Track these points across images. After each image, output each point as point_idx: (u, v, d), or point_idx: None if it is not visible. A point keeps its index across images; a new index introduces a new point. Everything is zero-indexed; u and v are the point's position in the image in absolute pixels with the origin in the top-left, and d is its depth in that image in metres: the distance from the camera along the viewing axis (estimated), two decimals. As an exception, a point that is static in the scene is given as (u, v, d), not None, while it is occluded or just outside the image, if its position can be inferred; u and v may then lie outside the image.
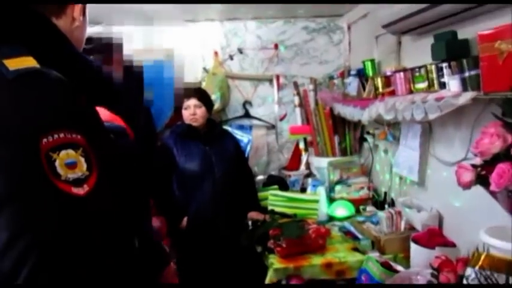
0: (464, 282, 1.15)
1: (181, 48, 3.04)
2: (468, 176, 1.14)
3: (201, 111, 2.35)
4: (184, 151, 2.34)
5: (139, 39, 3.08)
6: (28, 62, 0.69)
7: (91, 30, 1.51)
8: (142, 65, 1.71)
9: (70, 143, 0.66)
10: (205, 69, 3.09)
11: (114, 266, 0.69)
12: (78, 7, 0.87)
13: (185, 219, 2.30)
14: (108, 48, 1.44)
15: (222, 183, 2.33)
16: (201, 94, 2.42)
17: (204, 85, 2.97)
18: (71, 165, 0.65)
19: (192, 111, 2.34)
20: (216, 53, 3.08)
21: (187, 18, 3.00)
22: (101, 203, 0.69)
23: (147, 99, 1.64)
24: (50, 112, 0.66)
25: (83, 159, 0.66)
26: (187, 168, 2.31)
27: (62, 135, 0.65)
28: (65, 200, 0.63)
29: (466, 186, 1.16)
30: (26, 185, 0.62)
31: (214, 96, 2.84)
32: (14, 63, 0.68)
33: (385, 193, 2.40)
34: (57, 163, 0.64)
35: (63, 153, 0.64)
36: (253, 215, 2.36)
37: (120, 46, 1.52)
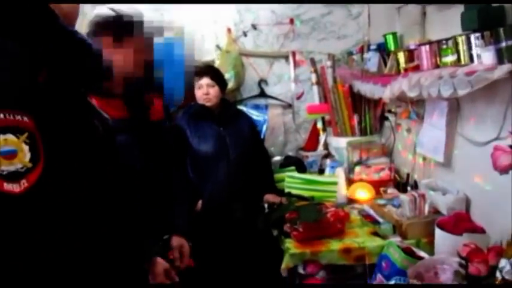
0: (498, 274, 1.05)
1: (192, 25, 2.94)
2: (507, 158, 1.02)
3: (214, 91, 2.27)
4: (197, 132, 2.26)
5: (150, 16, 2.98)
6: None
7: (103, 10, 1.42)
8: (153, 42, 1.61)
9: (11, 126, 0.54)
10: (218, 47, 2.98)
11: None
12: None
13: (200, 202, 2.24)
14: (128, 27, 1.34)
15: (236, 165, 2.26)
16: (214, 73, 2.33)
17: (217, 63, 2.86)
18: (9, 155, 0.53)
19: (205, 91, 2.25)
20: (229, 30, 2.96)
21: (199, -6, 2.88)
22: (42, 203, 0.56)
23: (157, 78, 1.56)
24: None
25: (26, 148, 0.55)
26: (201, 150, 2.24)
27: (1, 116, 0.53)
28: None
29: (504, 170, 1.05)
30: None
31: (228, 75, 2.74)
32: None
33: (408, 175, 2.28)
34: None
35: (0, 138, 0.53)
36: (270, 197, 2.29)
37: (140, 25, 1.41)
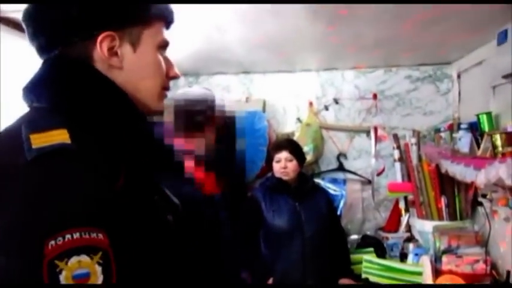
0: None
1: (274, 98, 3.04)
2: None
3: (292, 165, 2.25)
4: (272, 206, 2.23)
5: (236, 88, 3.16)
6: (58, 136, 0.57)
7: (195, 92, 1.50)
8: (234, 115, 1.67)
9: (86, 246, 0.50)
10: (299, 120, 3.01)
11: None
12: (103, 43, 0.69)
13: (271, 279, 2.14)
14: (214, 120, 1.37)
15: (312, 243, 2.15)
16: (292, 147, 2.33)
17: (297, 136, 2.88)
18: (81, 278, 0.49)
19: (283, 165, 2.25)
20: (311, 103, 3.00)
21: (283, 69, 3.00)
22: None
23: (239, 149, 1.59)
24: (66, 206, 0.52)
25: (99, 270, 0.51)
26: (276, 225, 2.18)
27: (76, 235, 0.50)
28: None
29: None
30: None
31: (307, 148, 2.73)
32: (40, 139, 0.56)
33: (508, 272, 1.99)
34: (62, 276, 0.48)
35: (73, 261, 0.49)
36: (345, 281, 2.13)
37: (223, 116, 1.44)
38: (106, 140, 0.63)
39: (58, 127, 0.59)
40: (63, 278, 0.49)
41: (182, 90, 1.41)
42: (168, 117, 1.24)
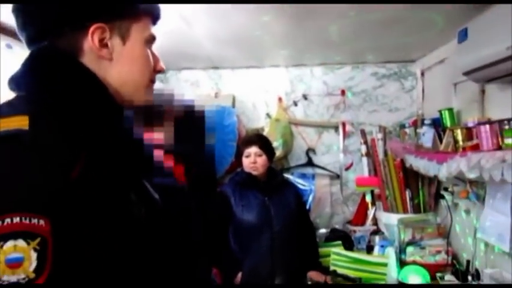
0: None
1: (244, 93, 3.03)
2: None
3: (261, 160, 2.26)
4: (242, 201, 2.23)
5: (206, 84, 3.13)
6: (17, 122, 0.58)
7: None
8: (204, 110, 1.65)
9: (24, 231, 0.51)
10: (268, 115, 3.03)
11: None
12: (94, 35, 0.70)
13: (239, 274, 2.14)
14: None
15: (280, 237, 2.17)
16: (262, 142, 2.34)
17: (266, 131, 2.89)
18: (14, 263, 0.50)
19: (253, 160, 2.26)
20: (280, 99, 3.02)
21: (253, 65, 3.00)
22: None
23: (208, 144, 1.58)
24: (10, 190, 0.53)
25: (34, 255, 0.51)
26: (245, 220, 2.19)
27: (16, 220, 0.51)
28: None
29: None
30: None
31: (277, 143, 2.75)
32: (1, 124, 0.58)
33: (468, 262, 2.08)
34: None
35: (9, 244, 0.50)
36: (314, 275, 2.16)
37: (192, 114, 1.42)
38: (71, 129, 0.62)
39: (20, 114, 0.60)
40: None
41: None
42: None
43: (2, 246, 0.50)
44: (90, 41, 0.70)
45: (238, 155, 2.29)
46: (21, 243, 0.51)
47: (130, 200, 0.68)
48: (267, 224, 2.17)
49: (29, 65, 0.70)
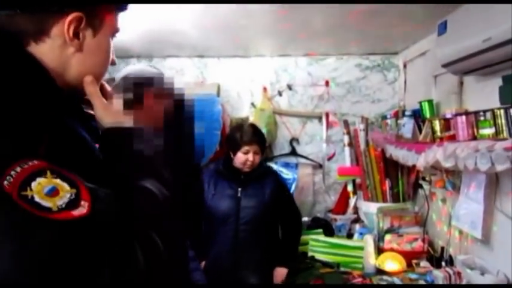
0: None
1: (228, 82, 3.04)
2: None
3: (257, 159, 2.18)
4: (215, 190, 2.19)
5: (190, 72, 3.13)
6: None
7: (135, 67, 1.47)
8: (194, 98, 1.66)
9: (34, 171, 0.55)
10: (253, 105, 3.05)
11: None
12: (65, 25, 0.69)
13: (203, 263, 2.12)
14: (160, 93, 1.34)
15: (247, 230, 2.10)
16: (263, 141, 2.25)
17: (251, 120, 2.92)
18: (53, 192, 0.55)
19: (251, 158, 2.15)
20: (265, 89, 3.04)
21: (238, 54, 3.01)
22: (106, 219, 0.59)
23: (198, 132, 1.59)
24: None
25: (59, 180, 0.56)
26: (213, 207, 2.15)
27: (18, 168, 0.54)
28: (72, 227, 0.54)
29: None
30: (25, 243, 0.52)
31: (260, 132, 2.77)
32: None
33: (442, 248, 2.15)
34: (36, 198, 0.54)
35: (34, 185, 0.54)
36: (280, 271, 2.14)
37: (171, 92, 1.40)
38: (28, 112, 0.62)
39: None
40: (39, 198, 0.54)
41: (127, 67, 1.37)
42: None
43: (31, 188, 0.54)
44: (64, 29, 0.68)
45: (230, 145, 2.22)
46: (42, 179, 0.55)
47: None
48: (233, 216, 2.12)
49: None
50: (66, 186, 0.56)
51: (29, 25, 0.67)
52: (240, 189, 2.17)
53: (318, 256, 2.26)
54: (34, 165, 0.56)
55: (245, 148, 2.15)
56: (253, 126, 2.29)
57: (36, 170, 0.56)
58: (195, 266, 1.90)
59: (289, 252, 2.26)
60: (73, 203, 0.56)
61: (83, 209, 0.56)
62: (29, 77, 0.67)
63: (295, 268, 2.10)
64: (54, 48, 0.69)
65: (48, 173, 0.56)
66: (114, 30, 0.79)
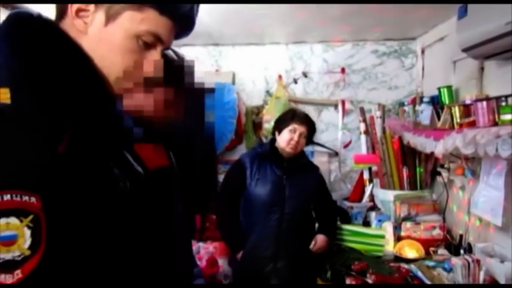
0: None
1: (244, 71, 3.03)
2: None
3: (303, 142, 2.13)
4: (258, 174, 2.09)
5: (205, 60, 3.13)
6: None
7: None
8: (204, 87, 1.66)
9: (16, 209, 0.50)
10: (268, 93, 3.03)
11: None
12: (75, 7, 0.65)
13: (240, 254, 2.09)
14: (178, 74, 1.32)
15: (291, 220, 2.04)
16: (312, 126, 2.20)
17: (266, 108, 2.91)
18: (8, 240, 0.50)
19: (297, 139, 2.08)
20: (280, 77, 3.02)
21: (253, 42, 2.99)
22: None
23: (208, 121, 1.60)
24: None
25: (28, 233, 0.51)
26: (256, 194, 2.07)
27: (7, 197, 0.50)
28: None
29: None
30: None
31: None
32: None
33: (461, 236, 2.13)
34: None
35: (1, 222, 0.49)
36: (319, 239, 2.14)
37: (191, 74, 1.37)
38: (55, 102, 0.60)
39: (0, 86, 0.57)
40: None
41: None
42: None
43: None
44: (70, 6, 0.66)
45: (280, 123, 2.17)
46: (13, 220, 0.50)
47: (115, 174, 0.66)
48: (278, 204, 2.05)
49: (4, 29, 0.64)
50: (26, 243, 0.51)
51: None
52: (285, 176, 2.09)
53: (337, 242, 2.27)
54: (24, 202, 0.51)
55: (293, 126, 2.09)
56: (306, 114, 2.25)
57: (21, 208, 0.51)
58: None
59: (330, 227, 2.26)
60: (9, 265, 0.50)
61: (9, 278, 0.50)
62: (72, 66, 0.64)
63: (329, 251, 2.14)
64: (69, 27, 0.67)
65: (28, 219, 0.51)
66: (142, 33, 0.68)
